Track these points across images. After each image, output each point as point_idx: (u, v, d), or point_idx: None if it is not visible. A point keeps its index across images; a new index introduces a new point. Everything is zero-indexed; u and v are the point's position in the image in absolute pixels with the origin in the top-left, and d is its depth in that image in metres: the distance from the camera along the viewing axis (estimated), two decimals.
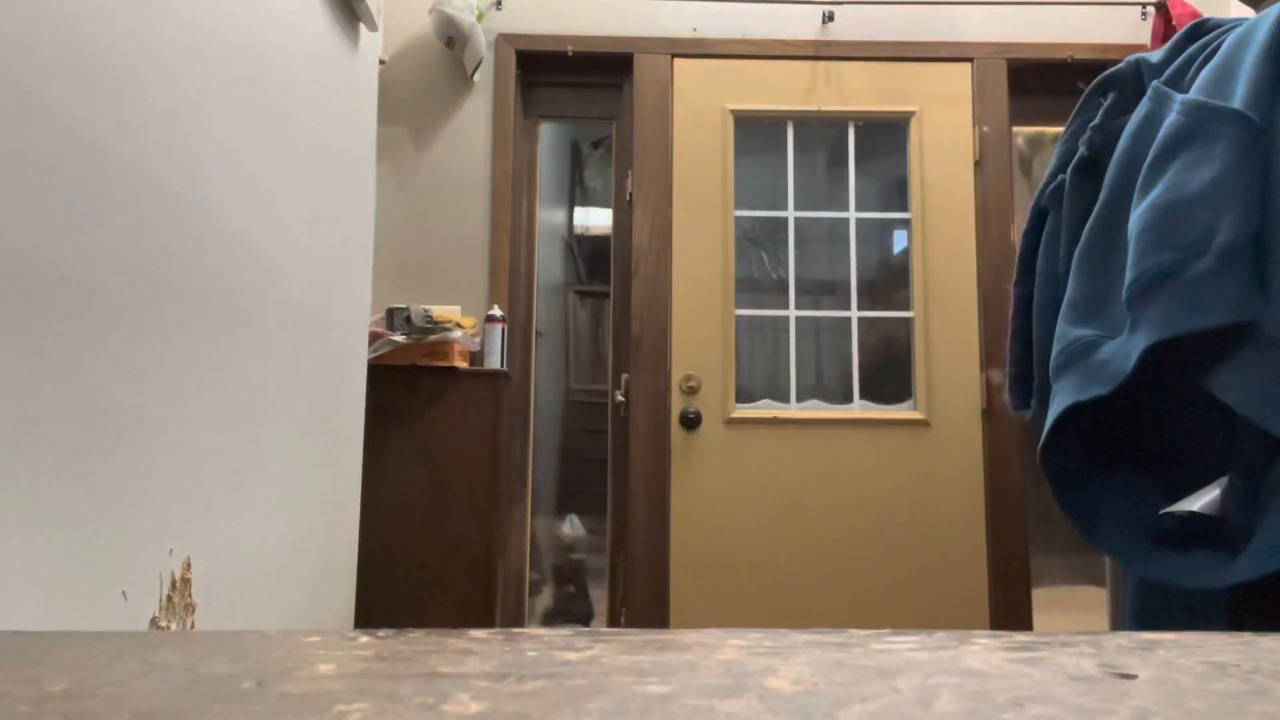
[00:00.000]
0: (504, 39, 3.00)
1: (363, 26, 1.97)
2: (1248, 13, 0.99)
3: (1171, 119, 0.86)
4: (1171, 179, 0.83)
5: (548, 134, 3.25)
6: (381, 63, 2.34)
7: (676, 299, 2.92)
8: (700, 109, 3.03)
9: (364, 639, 0.41)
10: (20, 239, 0.85)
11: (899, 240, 3.11)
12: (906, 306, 2.99)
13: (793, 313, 3.01)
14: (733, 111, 3.03)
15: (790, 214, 3.06)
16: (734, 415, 2.90)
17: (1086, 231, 0.95)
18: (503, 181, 2.96)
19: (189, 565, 1.17)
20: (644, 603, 2.79)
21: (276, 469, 1.52)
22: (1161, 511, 0.87)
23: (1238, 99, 0.82)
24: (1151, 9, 2.96)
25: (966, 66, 3.04)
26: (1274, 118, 0.80)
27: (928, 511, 2.86)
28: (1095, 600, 3.05)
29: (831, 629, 0.42)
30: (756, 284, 3.10)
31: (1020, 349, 1.12)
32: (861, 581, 2.83)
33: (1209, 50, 0.93)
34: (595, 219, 4.87)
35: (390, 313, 2.54)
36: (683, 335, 2.91)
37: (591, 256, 4.14)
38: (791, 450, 2.91)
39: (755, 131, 3.09)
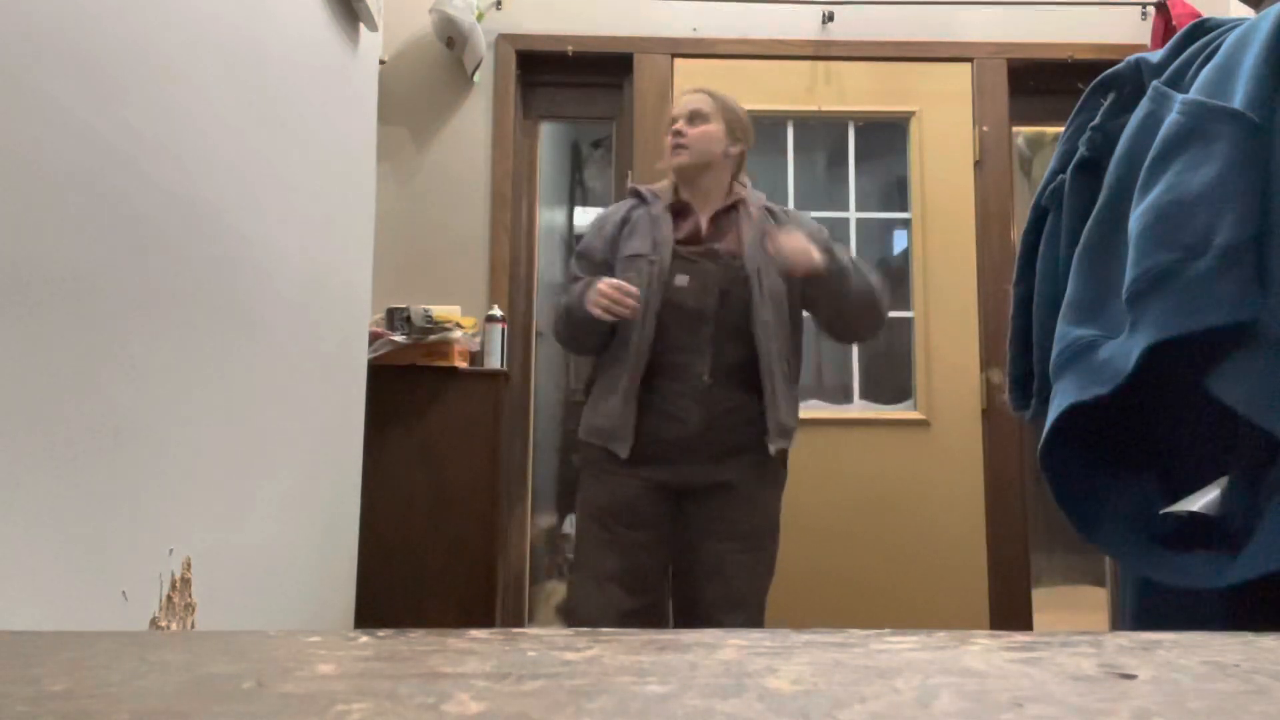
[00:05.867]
0: (504, 39, 3.00)
1: (363, 26, 1.97)
2: (1248, 13, 0.99)
3: (1171, 119, 0.86)
4: (1171, 179, 0.83)
5: (548, 134, 3.25)
6: (381, 63, 2.34)
7: None
8: None
9: (364, 639, 0.41)
10: (20, 239, 0.85)
11: (899, 240, 3.11)
12: (906, 306, 2.99)
13: None
14: None
15: None
16: None
17: (1086, 231, 0.95)
18: (503, 181, 2.96)
19: (189, 565, 1.17)
20: None
21: (276, 469, 1.52)
22: (1161, 511, 0.87)
23: (1238, 99, 0.82)
24: (1151, 9, 2.96)
25: (966, 66, 3.03)
26: (1274, 117, 0.80)
27: (928, 511, 2.86)
28: (1095, 600, 3.05)
29: (831, 629, 0.42)
30: None
31: (1020, 349, 1.12)
32: (861, 581, 2.83)
33: (1209, 50, 0.93)
34: None
35: (390, 313, 2.54)
36: None
37: None
38: (791, 450, 2.90)
39: (755, 131, 3.08)
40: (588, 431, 1.92)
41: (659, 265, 1.87)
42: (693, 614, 1.89)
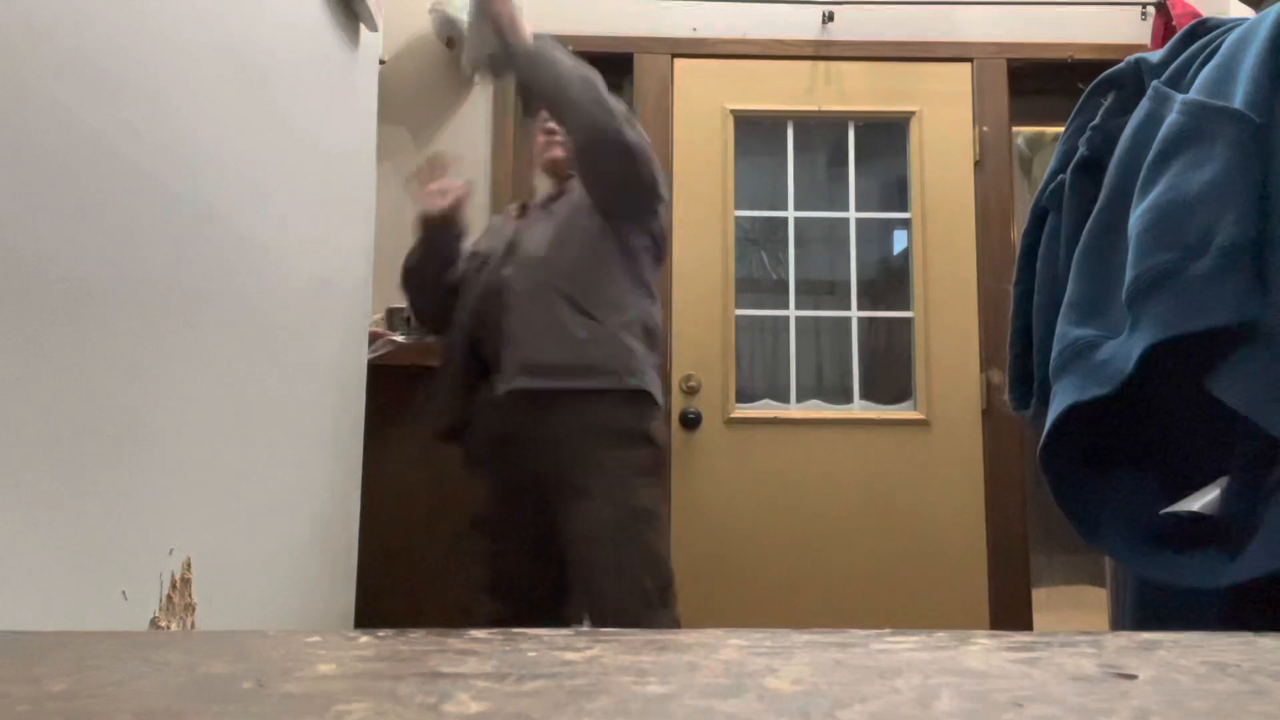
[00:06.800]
0: None
1: (363, 26, 1.97)
2: (1248, 13, 0.99)
3: (1171, 119, 0.86)
4: (1171, 179, 0.83)
5: None
6: (381, 63, 2.33)
7: (676, 299, 2.92)
8: (700, 109, 3.03)
9: (364, 639, 0.41)
10: (20, 239, 0.85)
11: (899, 240, 3.11)
12: (906, 306, 2.99)
13: (793, 313, 3.01)
14: (733, 111, 3.03)
15: (790, 214, 3.06)
16: (734, 415, 2.90)
17: (1086, 231, 0.95)
18: (503, 181, 2.96)
19: (189, 565, 1.17)
20: None
21: (277, 469, 1.52)
22: (1162, 511, 0.87)
23: (1238, 99, 0.82)
24: (1151, 9, 2.96)
25: (966, 66, 3.03)
26: (1274, 118, 0.80)
27: (927, 511, 2.86)
28: (1095, 600, 3.05)
29: (831, 629, 0.42)
30: (756, 284, 3.10)
31: (1020, 349, 1.11)
32: (862, 581, 2.83)
33: (1209, 50, 0.93)
34: None
35: (390, 313, 2.54)
36: (683, 335, 2.91)
37: None
38: (792, 450, 2.91)
39: (755, 131, 3.09)
40: None
41: (480, 258, 1.98)
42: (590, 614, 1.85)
